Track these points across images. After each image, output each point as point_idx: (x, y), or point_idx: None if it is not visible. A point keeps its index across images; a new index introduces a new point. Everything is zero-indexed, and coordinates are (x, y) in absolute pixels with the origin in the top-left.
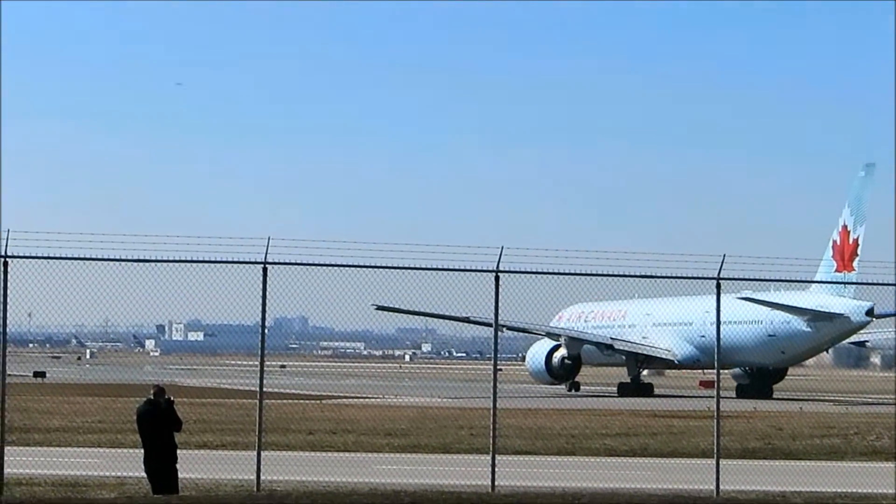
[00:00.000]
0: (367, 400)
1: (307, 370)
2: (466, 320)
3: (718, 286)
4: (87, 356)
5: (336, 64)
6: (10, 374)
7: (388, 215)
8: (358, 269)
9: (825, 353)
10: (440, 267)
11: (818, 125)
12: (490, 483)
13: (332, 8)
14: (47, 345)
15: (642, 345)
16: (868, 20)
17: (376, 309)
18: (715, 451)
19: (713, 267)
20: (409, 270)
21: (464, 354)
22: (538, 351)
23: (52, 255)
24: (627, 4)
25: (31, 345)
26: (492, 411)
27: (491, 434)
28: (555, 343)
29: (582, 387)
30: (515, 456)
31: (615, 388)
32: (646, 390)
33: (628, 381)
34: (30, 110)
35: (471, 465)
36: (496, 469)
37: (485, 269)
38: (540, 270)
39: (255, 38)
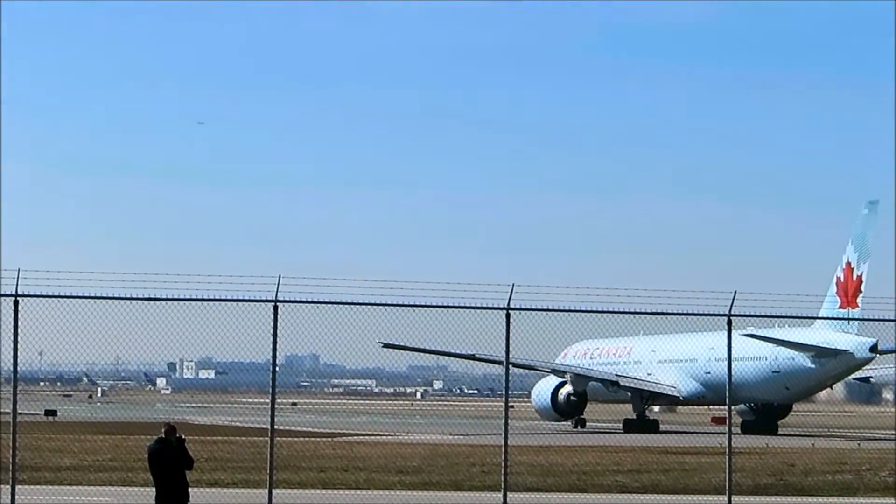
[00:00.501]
0: (378, 437)
1: (319, 408)
2: (472, 357)
3: (730, 322)
4: (99, 394)
5: (344, 103)
6: (21, 413)
7: (398, 253)
8: (368, 307)
9: (836, 388)
10: (451, 304)
11: (821, 162)
12: None
13: (345, 51)
14: (58, 383)
15: (647, 381)
16: (872, 60)
17: (383, 347)
18: (727, 487)
19: (723, 303)
20: (420, 308)
21: (475, 391)
22: (544, 388)
23: (62, 293)
24: (641, 53)
25: (42, 383)
26: (503, 448)
27: (502, 471)
28: (560, 380)
29: (587, 423)
30: (527, 493)
31: (621, 425)
32: (651, 427)
33: (634, 417)
34: (37, 149)
35: (482, 502)
36: None
37: (496, 306)
38: (550, 308)
39: (261, 77)
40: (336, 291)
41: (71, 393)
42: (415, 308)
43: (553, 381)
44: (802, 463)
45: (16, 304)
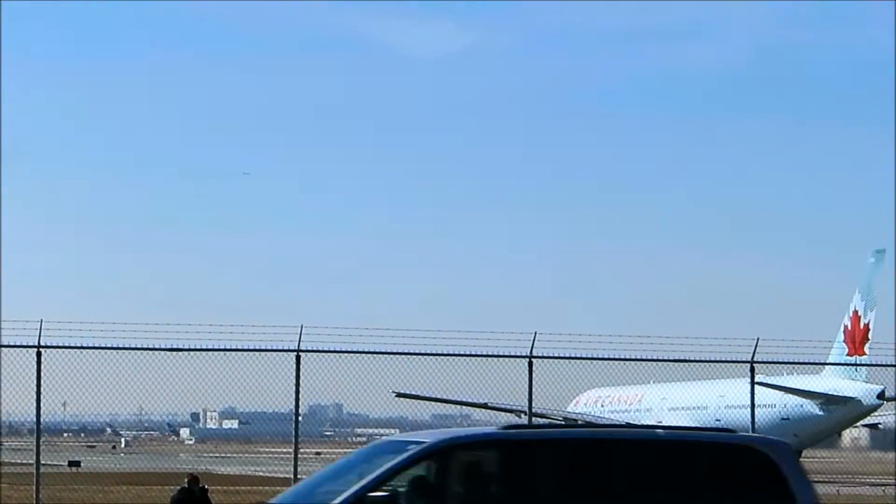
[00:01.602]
0: None
1: (342, 457)
2: (485, 406)
3: (752, 369)
4: (122, 445)
5: (365, 151)
6: (44, 464)
7: (421, 301)
8: (391, 356)
9: (861, 434)
10: (473, 353)
11: (829, 210)
12: None
13: (361, 100)
14: (82, 434)
15: None
16: (878, 106)
17: (396, 396)
18: None
19: (745, 350)
20: (442, 357)
21: None
22: None
23: (85, 344)
24: (653, 96)
25: (65, 434)
26: None
27: None
28: None
29: None
30: None
31: None
32: None
33: None
34: (60, 198)
35: None
36: None
37: (518, 354)
38: (573, 356)
39: (282, 124)
40: (358, 340)
41: (94, 444)
42: (437, 357)
43: None
44: None
45: (38, 355)
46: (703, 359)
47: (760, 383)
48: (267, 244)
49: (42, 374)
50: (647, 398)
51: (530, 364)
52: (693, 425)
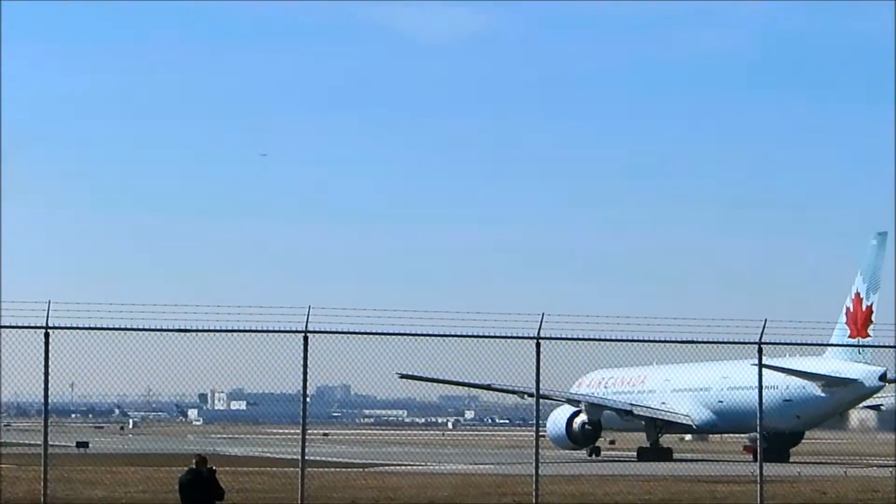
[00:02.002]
0: (409, 468)
1: (350, 438)
2: (488, 388)
3: (760, 350)
4: (130, 426)
5: (370, 134)
6: (52, 445)
7: (427, 283)
8: (398, 336)
9: (868, 416)
10: (481, 335)
11: (831, 192)
12: None
13: (376, 84)
14: (90, 415)
15: (661, 410)
16: (884, 92)
17: (400, 377)
18: None
19: (753, 332)
20: (450, 338)
21: (507, 421)
22: (559, 417)
23: (93, 325)
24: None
25: (73, 415)
26: (534, 478)
27: (534, 501)
28: (575, 409)
29: (602, 452)
30: None
31: (635, 453)
32: (665, 454)
33: (648, 445)
34: (69, 181)
35: None
36: None
37: (526, 335)
38: (580, 337)
39: (292, 109)
40: (366, 322)
41: (102, 425)
42: (444, 338)
43: (568, 410)
44: (834, 491)
45: (46, 336)
46: (710, 340)
47: (763, 365)
48: (275, 227)
49: (50, 355)
50: (650, 379)
51: (538, 345)
52: (695, 406)
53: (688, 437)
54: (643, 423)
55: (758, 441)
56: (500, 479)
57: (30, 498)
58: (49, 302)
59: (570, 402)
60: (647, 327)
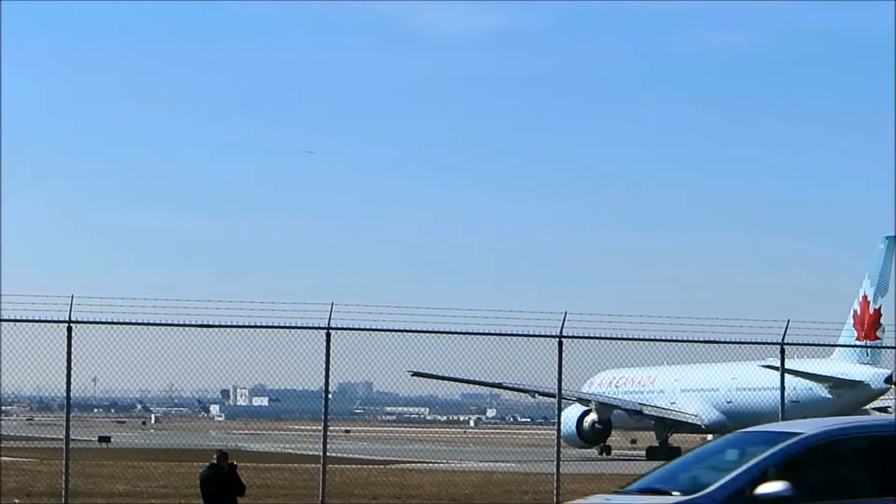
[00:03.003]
0: (431, 465)
1: (372, 435)
2: (499, 386)
3: (783, 351)
4: (152, 421)
5: (396, 131)
6: (74, 439)
7: (451, 281)
8: (421, 334)
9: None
10: (503, 332)
11: (840, 195)
12: None
13: (393, 80)
14: (112, 409)
15: (670, 410)
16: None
17: (412, 375)
18: None
19: (776, 332)
20: (473, 336)
21: (528, 420)
22: (569, 416)
23: (116, 320)
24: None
25: (95, 410)
26: (555, 477)
27: (555, 499)
28: (585, 408)
29: (613, 451)
30: None
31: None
32: (674, 453)
33: (657, 445)
34: (93, 176)
35: None
36: None
37: (548, 334)
38: (603, 336)
39: (311, 105)
40: (389, 319)
41: (124, 419)
42: (467, 336)
43: (578, 409)
44: None
45: (69, 330)
46: (733, 340)
47: (769, 366)
48: (298, 224)
49: (73, 350)
50: (660, 380)
51: (560, 344)
52: (704, 406)
53: (709, 437)
54: (652, 422)
55: None
56: (521, 477)
57: (51, 492)
58: (72, 296)
59: (580, 401)
60: (669, 327)
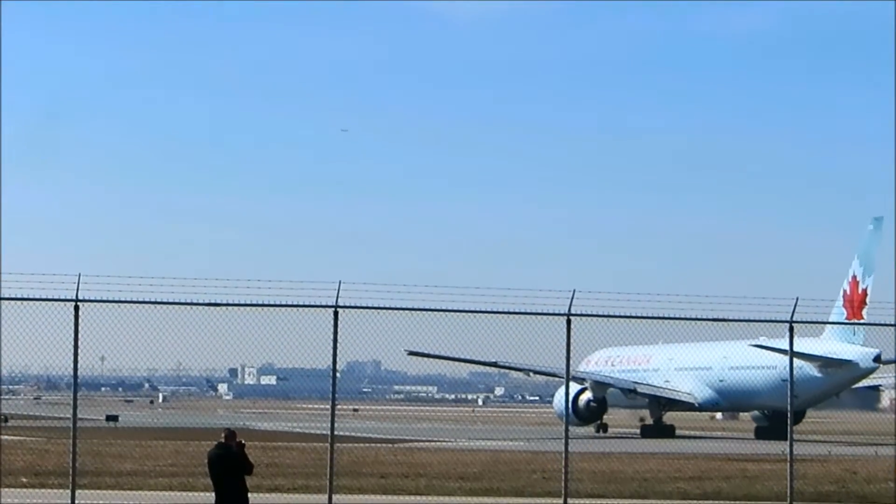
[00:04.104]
0: (439, 443)
1: (380, 414)
2: (495, 365)
3: (791, 329)
4: (160, 400)
5: (402, 111)
6: (82, 418)
7: (460, 259)
8: (429, 312)
9: None
10: (512, 311)
11: (832, 177)
12: None
13: (399, 61)
14: (120, 389)
15: (664, 388)
16: (880, 76)
17: (408, 354)
18: (789, 494)
19: (785, 310)
20: (481, 314)
21: (536, 398)
22: (564, 394)
23: (123, 299)
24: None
25: (103, 389)
26: (564, 455)
27: (563, 478)
28: (581, 387)
29: (609, 429)
30: (588, 499)
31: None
32: (667, 432)
33: (651, 423)
34: (99, 155)
35: None
36: None
37: (556, 312)
38: (611, 314)
39: (318, 85)
40: (396, 297)
41: (132, 398)
42: (476, 314)
43: (573, 387)
44: (865, 471)
45: (76, 309)
46: (742, 318)
47: (760, 346)
48: (306, 202)
49: (80, 329)
50: (655, 358)
51: (568, 322)
52: (697, 385)
53: (718, 415)
54: (647, 400)
55: (789, 418)
56: (529, 455)
57: (59, 471)
58: (79, 275)
59: (575, 379)
60: (678, 306)
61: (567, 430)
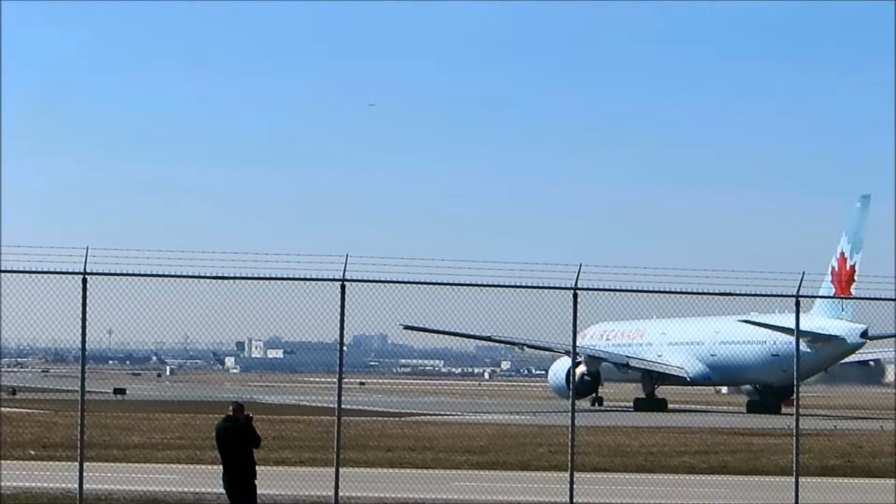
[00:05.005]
0: (445, 417)
1: (386, 387)
2: (489, 339)
3: (798, 304)
4: (167, 373)
5: (408, 84)
6: (89, 391)
7: (465, 233)
8: (436, 286)
9: None
10: (518, 284)
11: (824, 154)
12: (569, 500)
13: (404, 35)
14: (127, 362)
15: (656, 363)
16: (869, 58)
17: (404, 328)
18: (794, 468)
19: (791, 285)
20: (487, 288)
21: (543, 372)
22: (559, 368)
23: (131, 272)
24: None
25: (111, 362)
26: (570, 428)
27: (570, 451)
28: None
29: (605, 402)
30: (594, 473)
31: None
32: (659, 405)
33: (644, 396)
34: (109, 130)
35: (549, 482)
36: (574, 486)
37: (563, 286)
38: (619, 288)
39: (324, 58)
40: (403, 271)
41: (140, 372)
42: (482, 288)
43: (567, 361)
44: (870, 445)
45: (84, 282)
46: (748, 293)
47: (747, 321)
48: (313, 175)
49: (88, 302)
50: (648, 333)
51: (575, 296)
52: (689, 359)
53: (724, 389)
54: (640, 374)
55: (795, 392)
56: (535, 429)
57: (67, 443)
58: (87, 248)
59: (568, 353)
60: (685, 279)
61: (573, 404)
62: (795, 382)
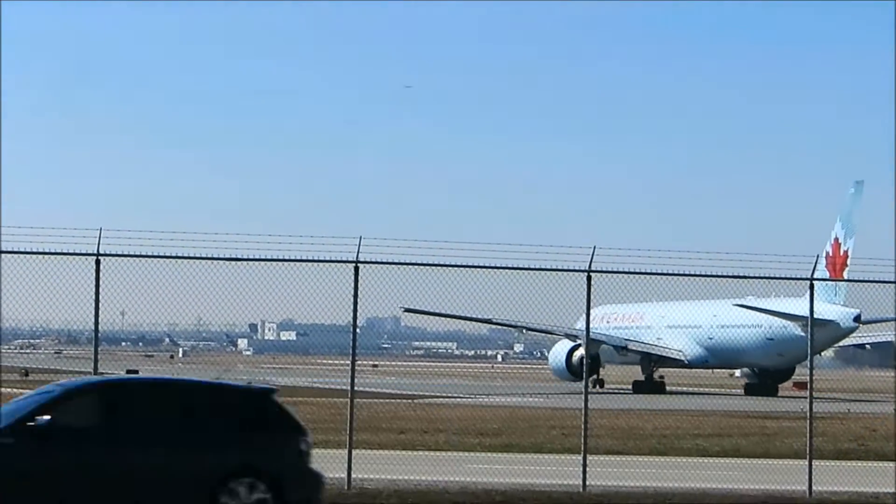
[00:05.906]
0: (458, 400)
1: (399, 370)
2: (489, 322)
3: (812, 287)
4: (180, 355)
5: (422, 68)
6: (102, 373)
7: (480, 215)
8: (450, 268)
9: None
10: (532, 267)
11: (819, 140)
12: (581, 483)
13: (417, 22)
14: (140, 343)
15: (655, 346)
16: (866, 48)
17: (405, 311)
18: (808, 452)
19: (805, 268)
20: (501, 270)
21: None
22: (559, 350)
23: (144, 253)
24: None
25: (124, 343)
26: (583, 411)
27: (583, 434)
28: (574, 343)
29: (606, 384)
30: (607, 456)
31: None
32: (658, 388)
33: (643, 379)
34: (123, 113)
35: (562, 464)
36: (587, 469)
37: (577, 268)
38: (632, 270)
39: (335, 44)
40: (417, 252)
41: (153, 353)
42: (496, 270)
43: (567, 344)
44: (884, 428)
45: (97, 263)
46: (763, 276)
47: (742, 305)
48: (327, 157)
49: (101, 283)
50: (648, 316)
51: (589, 278)
52: (687, 342)
53: (737, 373)
54: (639, 357)
55: (809, 375)
56: (548, 411)
57: None
58: (101, 229)
59: (567, 336)
60: (698, 262)
61: (587, 387)
62: (810, 366)
